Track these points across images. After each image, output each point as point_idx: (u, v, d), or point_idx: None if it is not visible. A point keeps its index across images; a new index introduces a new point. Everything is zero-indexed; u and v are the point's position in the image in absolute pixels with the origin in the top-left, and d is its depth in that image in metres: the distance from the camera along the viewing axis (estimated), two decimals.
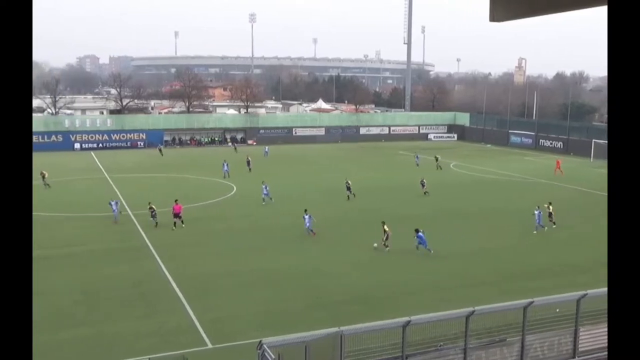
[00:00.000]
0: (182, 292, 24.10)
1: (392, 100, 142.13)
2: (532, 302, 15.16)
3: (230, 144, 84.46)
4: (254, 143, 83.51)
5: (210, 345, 19.36)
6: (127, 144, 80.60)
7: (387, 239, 30.01)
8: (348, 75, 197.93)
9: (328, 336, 14.36)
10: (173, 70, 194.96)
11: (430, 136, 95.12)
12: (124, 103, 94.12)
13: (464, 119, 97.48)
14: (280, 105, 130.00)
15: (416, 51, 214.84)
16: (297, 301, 23.45)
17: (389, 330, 14.80)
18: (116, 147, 79.00)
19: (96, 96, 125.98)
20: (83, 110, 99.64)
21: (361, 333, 14.50)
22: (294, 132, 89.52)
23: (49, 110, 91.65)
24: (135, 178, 54.81)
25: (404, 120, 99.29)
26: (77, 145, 78.55)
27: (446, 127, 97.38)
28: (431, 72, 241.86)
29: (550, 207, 35.18)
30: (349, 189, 43.82)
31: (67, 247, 30.85)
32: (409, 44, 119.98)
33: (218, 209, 40.47)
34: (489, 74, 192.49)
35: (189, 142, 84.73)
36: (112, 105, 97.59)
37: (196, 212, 39.70)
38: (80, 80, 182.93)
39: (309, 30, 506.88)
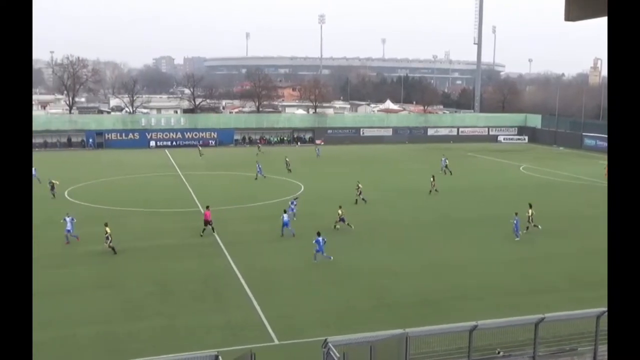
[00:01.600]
0: (250, 288, 24.67)
1: (461, 101, 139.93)
2: (605, 312, 14.75)
3: (297, 143, 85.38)
4: (322, 143, 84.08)
5: (276, 341, 19.73)
6: (199, 142, 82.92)
7: (338, 221, 34.24)
8: (416, 75, 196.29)
9: (393, 337, 14.43)
10: (244, 70, 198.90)
11: (500, 138, 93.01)
12: (197, 102, 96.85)
13: (535, 120, 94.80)
14: (348, 106, 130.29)
15: (486, 51, 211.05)
16: (363, 301, 23.54)
17: (455, 334, 14.74)
18: (189, 145, 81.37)
19: (171, 96, 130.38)
20: (158, 110, 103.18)
21: (427, 335, 14.50)
22: (361, 133, 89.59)
23: (126, 109, 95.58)
24: (206, 176, 56.29)
25: (473, 121, 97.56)
26: (152, 143, 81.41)
27: (516, 129, 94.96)
28: (502, 73, 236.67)
29: (530, 210, 34.05)
30: (359, 192, 42.20)
31: (141, 241, 32.06)
32: (479, 44, 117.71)
33: (285, 207, 41.01)
34: (562, 74, 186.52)
35: (258, 141, 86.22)
36: (185, 104, 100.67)
37: (265, 210, 40.49)
38: (156, 80, 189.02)
39: (377, 30, 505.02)
